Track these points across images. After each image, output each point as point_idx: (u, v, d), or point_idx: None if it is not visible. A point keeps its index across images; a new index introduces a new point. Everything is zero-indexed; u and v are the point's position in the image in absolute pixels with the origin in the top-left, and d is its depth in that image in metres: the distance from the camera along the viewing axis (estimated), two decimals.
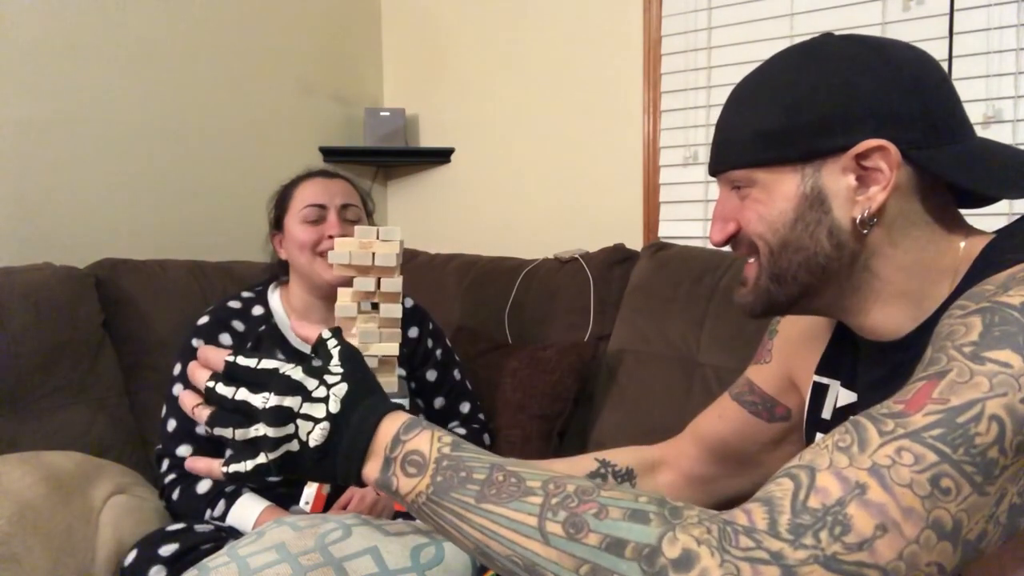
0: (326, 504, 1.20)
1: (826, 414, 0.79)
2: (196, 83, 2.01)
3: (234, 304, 1.40)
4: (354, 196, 1.43)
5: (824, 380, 0.79)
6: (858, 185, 0.62)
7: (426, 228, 2.46)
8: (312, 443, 0.58)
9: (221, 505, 1.25)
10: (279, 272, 1.46)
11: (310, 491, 0.88)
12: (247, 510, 1.24)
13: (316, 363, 0.63)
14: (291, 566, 0.77)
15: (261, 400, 0.59)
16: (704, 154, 1.93)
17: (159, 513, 1.31)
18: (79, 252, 1.70)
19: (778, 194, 0.65)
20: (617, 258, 1.83)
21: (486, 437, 1.56)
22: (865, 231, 0.63)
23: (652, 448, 0.96)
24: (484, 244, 2.20)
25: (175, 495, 1.29)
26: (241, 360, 0.62)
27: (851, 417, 0.52)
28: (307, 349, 1.38)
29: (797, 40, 0.69)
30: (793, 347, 0.85)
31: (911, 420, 0.48)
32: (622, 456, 0.94)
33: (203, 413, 0.61)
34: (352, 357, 0.63)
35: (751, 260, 0.70)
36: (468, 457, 0.55)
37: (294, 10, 2.25)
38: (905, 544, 0.45)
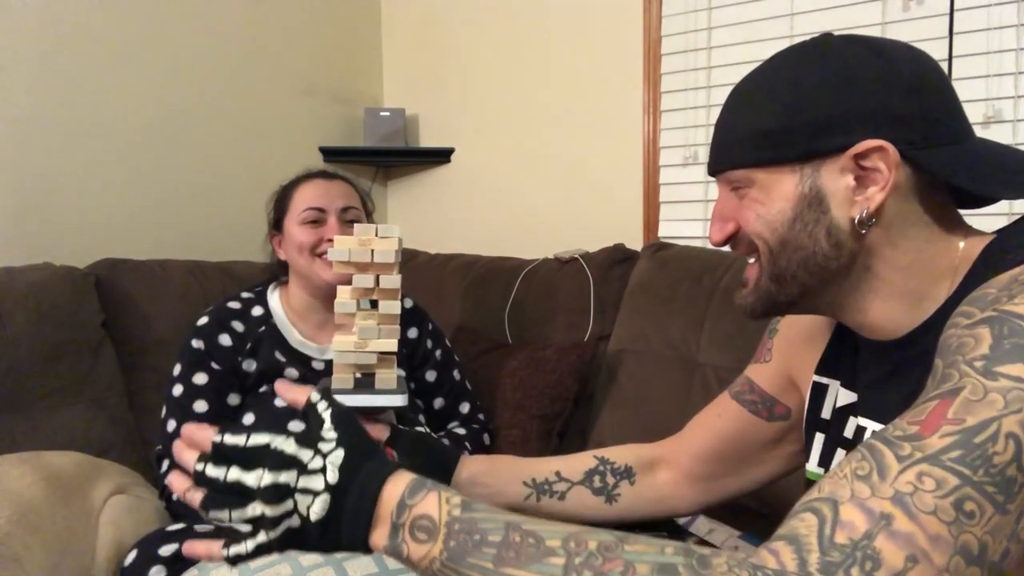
0: None
1: (826, 414, 0.79)
2: (196, 83, 2.01)
3: (233, 305, 1.40)
4: (354, 198, 1.43)
5: (824, 380, 0.79)
6: (856, 185, 0.62)
7: (426, 228, 2.46)
8: (314, 517, 0.55)
9: None
10: (278, 272, 1.46)
11: None
12: None
13: (300, 427, 0.60)
14: (291, 566, 0.77)
15: (255, 478, 0.56)
16: (704, 154, 1.93)
17: (159, 513, 1.31)
18: (79, 252, 1.70)
19: (777, 194, 0.65)
20: (617, 258, 1.83)
21: (486, 437, 1.56)
22: (863, 231, 0.63)
23: (651, 446, 0.96)
24: (484, 244, 2.20)
25: (175, 495, 1.29)
26: (229, 439, 0.58)
27: (865, 440, 0.51)
28: (307, 350, 1.38)
29: (797, 40, 0.68)
30: (793, 346, 0.85)
31: (928, 443, 0.47)
32: (621, 454, 0.94)
33: (195, 497, 0.58)
34: (344, 419, 0.60)
35: (752, 261, 0.70)
36: (480, 518, 0.53)
37: (294, 10, 2.25)
38: (936, 574, 0.44)
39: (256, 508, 0.55)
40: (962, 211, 0.68)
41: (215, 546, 0.58)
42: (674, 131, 1.98)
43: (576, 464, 0.93)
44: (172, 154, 1.96)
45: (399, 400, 0.81)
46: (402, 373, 1.46)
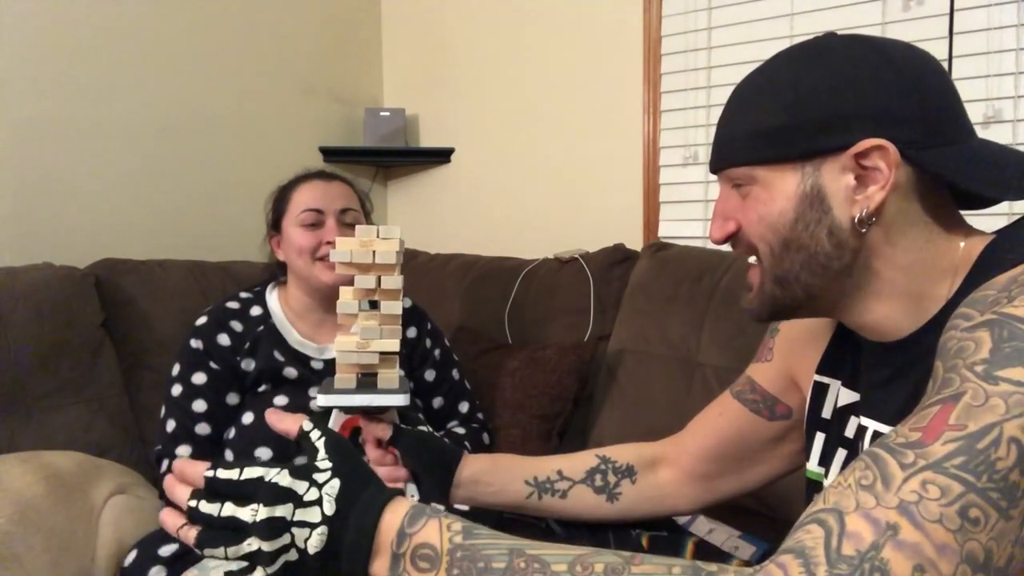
0: None
1: (826, 413, 0.79)
2: (196, 83, 2.01)
3: (232, 305, 1.40)
4: (353, 199, 1.43)
5: (825, 380, 0.79)
6: (857, 184, 0.62)
7: (426, 228, 2.47)
8: (312, 550, 0.54)
9: None
10: (277, 273, 1.46)
11: None
12: None
13: (299, 459, 0.59)
14: None
15: (250, 513, 0.54)
16: (704, 154, 1.94)
17: (159, 513, 1.31)
18: (79, 252, 1.70)
19: (778, 192, 0.65)
20: (617, 258, 1.83)
21: (485, 436, 1.56)
22: (863, 230, 0.63)
23: (652, 445, 0.96)
24: (484, 244, 2.20)
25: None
26: (221, 473, 0.57)
27: (868, 448, 0.51)
28: (306, 350, 1.38)
29: (797, 40, 0.69)
30: (794, 346, 0.85)
31: (931, 450, 0.47)
32: (622, 452, 0.95)
33: (189, 534, 0.57)
34: (339, 446, 0.59)
35: (753, 263, 0.70)
36: (483, 544, 0.52)
37: (294, 10, 2.25)
38: None
39: (252, 543, 0.54)
40: (963, 211, 0.68)
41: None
42: (674, 131, 1.98)
43: (577, 463, 0.93)
44: (172, 154, 1.96)
45: (401, 400, 0.81)
46: (401, 373, 1.46)
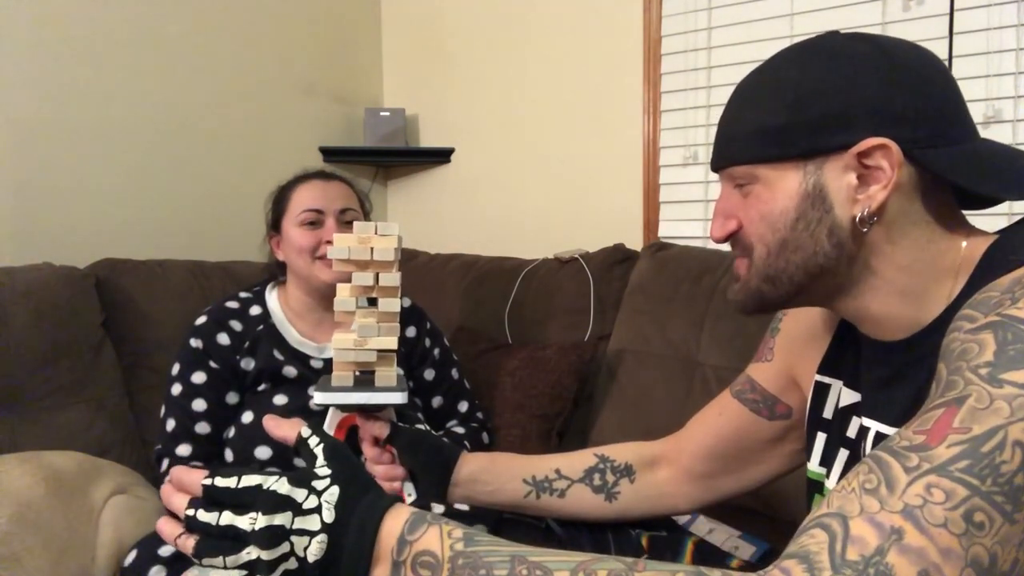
0: None
1: (827, 413, 0.78)
2: (196, 83, 2.01)
3: (232, 304, 1.40)
4: (352, 199, 1.43)
5: (826, 379, 0.79)
6: (859, 183, 0.62)
7: (426, 228, 2.46)
8: (311, 558, 0.53)
9: None
10: (276, 272, 1.46)
11: None
12: None
13: (299, 462, 0.60)
14: None
15: (248, 522, 0.54)
16: (704, 154, 1.93)
17: (159, 513, 1.30)
18: (79, 252, 1.70)
19: (780, 191, 0.64)
20: (617, 258, 1.83)
21: (484, 435, 1.56)
22: (865, 229, 0.62)
23: (651, 444, 0.96)
24: (484, 244, 2.20)
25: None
26: (219, 481, 0.56)
27: (871, 452, 0.51)
28: (305, 349, 1.38)
29: (797, 40, 0.68)
30: (795, 345, 0.85)
31: (935, 453, 0.47)
32: (621, 451, 0.94)
33: (187, 543, 0.56)
34: (337, 453, 0.59)
35: (739, 256, 0.70)
36: (484, 551, 0.52)
37: (295, 10, 2.25)
38: None
39: (251, 552, 0.53)
40: (964, 211, 0.68)
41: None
42: (674, 131, 1.98)
43: (576, 462, 0.93)
44: (172, 154, 1.96)
45: (399, 398, 0.81)
46: (400, 372, 1.46)
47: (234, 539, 0.54)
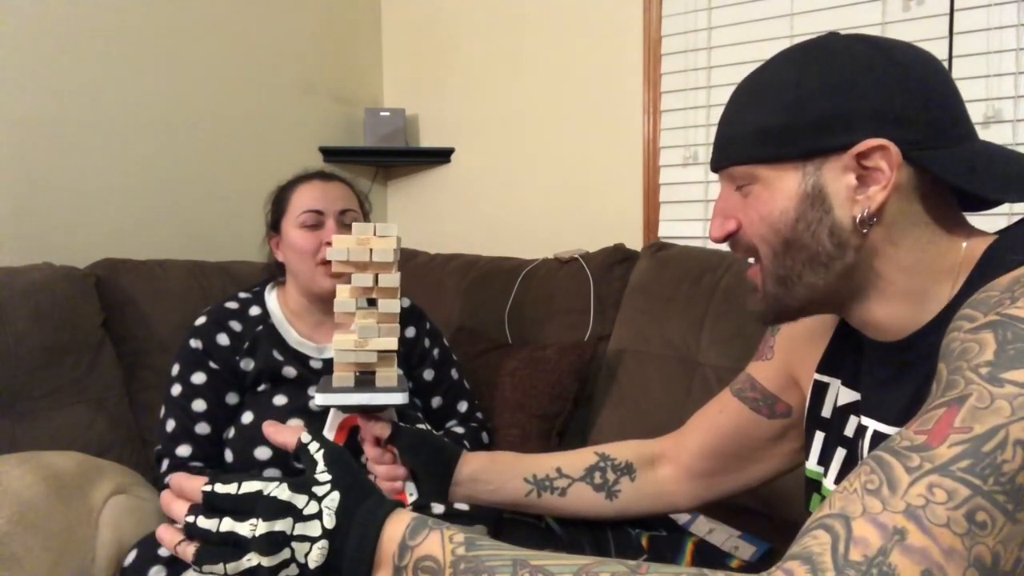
0: None
1: (826, 412, 0.79)
2: (196, 83, 2.01)
3: (231, 305, 1.40)
4: (352, 200, 1.43)
5: (825, 378, 0.79)
6: (858, 184, 0.62)
7: (426, 228, 2.47)
8: (312, 564, 0.53)
9: None
10: (276, 273, 1.46)
11: None
12: None
13: (299, 466, 0.59)
14: None
15: (249, 528, 0.54)
16: (704, 154, 1.94)
17: (159, 513, 1.31)
18: (79, 252, 1.70)
19: (779, 191, 0.65)
20: (617, 258, 1.83)
21: (484, 435, 1.56)
22: (865, 230, 0.63)
23: (652, 442, 0.96)
24: (484, 244, 2.20)
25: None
26: (219, 488, 0.56)
27: (873, 452, 0.51)
28: (305, 349, 1.38)
29: (797, 40, 0.69)
30: (795, 344, 0.85)
31: (937, 453, 0.47)
32: (621, 450, 0.94)
33: (187, 551, 0.56)
34: (338, 458, 0.59)
35: (752, 263, 0.70)
36: (486, 556, 0.52)
37: (294, 10, 2.25)
38: None
39: (252, 559, 0.53)
40: (965, 212, 0.68)
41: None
42: (674, 131, 1.98)
43: (577, 460, 0.93)
44: (172, 154, 1.96)
45: (400, 398, 0.81)
46: (399, 372, 1.46)
47: (234, 546, 0.54)
